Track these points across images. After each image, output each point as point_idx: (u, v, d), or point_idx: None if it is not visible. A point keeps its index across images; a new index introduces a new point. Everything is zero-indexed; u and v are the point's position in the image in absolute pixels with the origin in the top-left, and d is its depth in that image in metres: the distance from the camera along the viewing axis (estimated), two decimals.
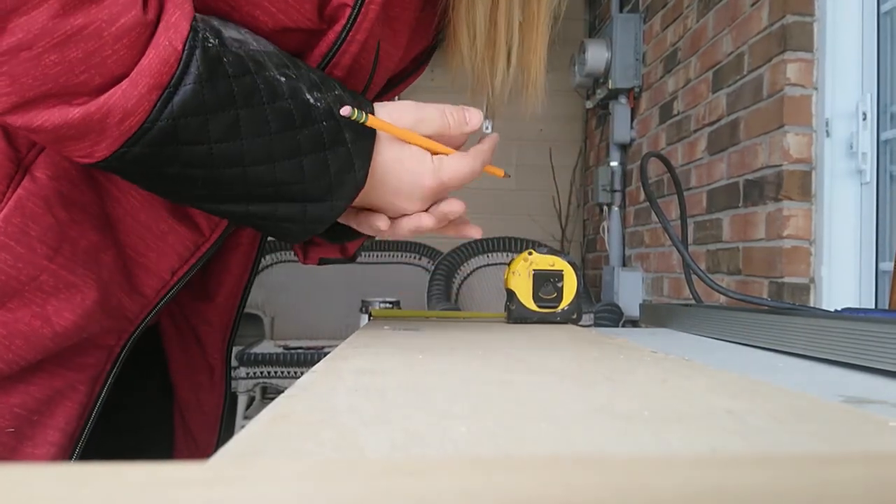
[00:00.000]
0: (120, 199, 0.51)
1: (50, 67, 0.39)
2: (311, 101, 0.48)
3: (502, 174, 0.62)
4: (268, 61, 0.46)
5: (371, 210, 0.55)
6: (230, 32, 0.46)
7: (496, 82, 0.58)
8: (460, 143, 0.56)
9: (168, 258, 0.53)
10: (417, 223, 0.55)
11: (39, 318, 0.47)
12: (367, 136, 0.51)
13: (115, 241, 0.51)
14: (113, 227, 0.51)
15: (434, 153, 0.53)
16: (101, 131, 0.42)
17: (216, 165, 0.45)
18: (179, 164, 0.44)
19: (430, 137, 0.53)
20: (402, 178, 0.52)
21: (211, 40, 0.44)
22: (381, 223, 0.55)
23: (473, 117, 0.55)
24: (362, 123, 0.50)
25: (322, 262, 0.66)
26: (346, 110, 0.48)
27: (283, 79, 0.47)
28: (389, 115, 0.52)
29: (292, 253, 3.41)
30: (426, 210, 0.55)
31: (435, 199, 0.55)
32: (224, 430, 0.70)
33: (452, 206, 0.55)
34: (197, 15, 0.44)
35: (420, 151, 0.53)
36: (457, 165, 0.54)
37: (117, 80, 0.41)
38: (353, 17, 0.50)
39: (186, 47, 0.42)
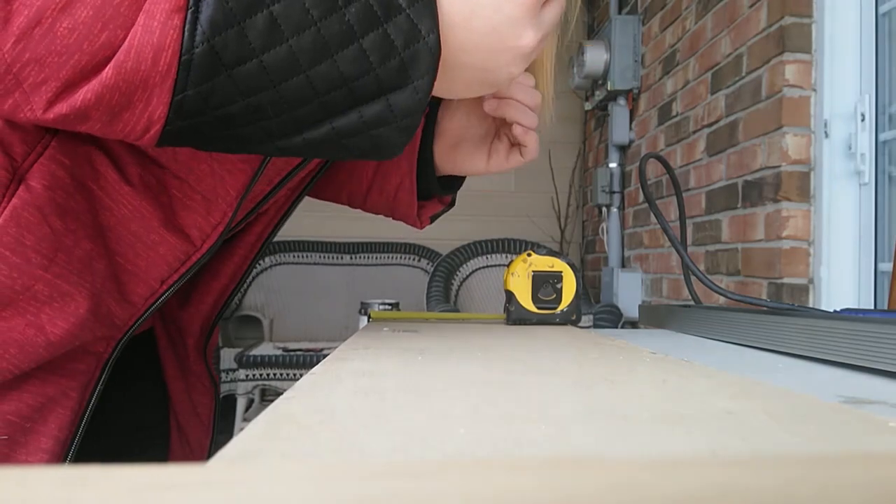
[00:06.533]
0: (112, 209, 0.50)
1: (66, 36, 0.37)
2: None
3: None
4: None
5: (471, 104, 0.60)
6: None
7: None
8: None
9: (158, 267, 0.52)
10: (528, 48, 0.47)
11: (33, 327, 0.47)
12: None
13: (107, 250, 0.51)
14: (104, 236, 0.50)
15: None
16: (143, 84, 0.39)
17: (275, 81, 0.41)
18: (240, 96, 0.41)
19: None
20: (487, 12, 0.45)
21: None
22: (480, 164, 0.62)
23: None
24: None
25: (433, 219, 0.73)
26: None
27: None
28: None
29: (292, 255, 3.42)
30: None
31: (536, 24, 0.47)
32: (216, 433, 0.70)
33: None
34: None
35: None
36: None
37: None
38: None
39: None
